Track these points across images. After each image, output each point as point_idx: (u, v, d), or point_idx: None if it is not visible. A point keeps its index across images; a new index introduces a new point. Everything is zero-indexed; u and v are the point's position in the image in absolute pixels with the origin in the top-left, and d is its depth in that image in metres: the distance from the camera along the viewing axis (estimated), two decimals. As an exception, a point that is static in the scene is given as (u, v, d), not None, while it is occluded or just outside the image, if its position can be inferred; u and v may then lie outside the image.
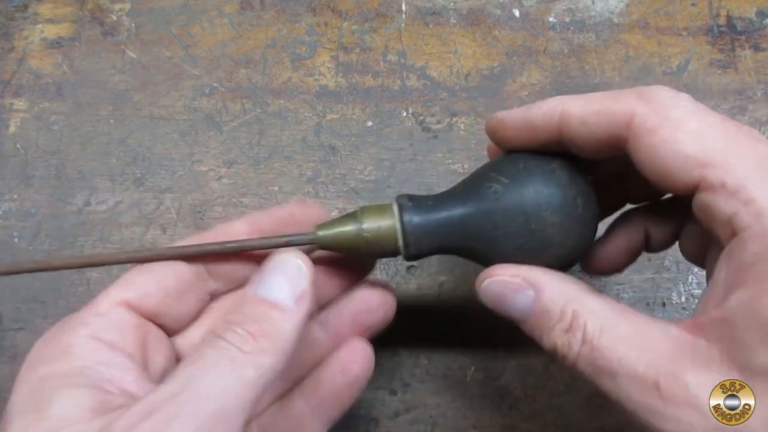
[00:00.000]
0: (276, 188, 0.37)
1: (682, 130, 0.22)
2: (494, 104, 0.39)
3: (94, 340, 0.23)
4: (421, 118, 0.39)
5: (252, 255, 0.27)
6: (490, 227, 0.25)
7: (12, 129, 0.38)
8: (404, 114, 0.39)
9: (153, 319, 0.25)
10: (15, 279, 0.35)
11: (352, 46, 0.41)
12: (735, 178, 0.21)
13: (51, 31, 0.41)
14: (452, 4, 0.42)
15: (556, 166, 0.25)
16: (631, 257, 0.28)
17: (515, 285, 0.24)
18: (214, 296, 0.28)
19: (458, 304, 0.35)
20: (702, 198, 0.21)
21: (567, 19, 0.42)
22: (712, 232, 0.22)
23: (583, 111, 0.23)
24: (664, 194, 0.27)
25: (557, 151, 0.25)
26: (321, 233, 0.26)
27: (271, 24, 0.41)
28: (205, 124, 0.39)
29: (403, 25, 0.41)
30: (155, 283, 0.25)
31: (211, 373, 0.21)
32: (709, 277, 0.24)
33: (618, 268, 0.29)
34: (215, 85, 0.40)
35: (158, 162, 0.38)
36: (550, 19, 0.42)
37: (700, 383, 0.20)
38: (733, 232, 0.21)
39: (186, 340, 0.27)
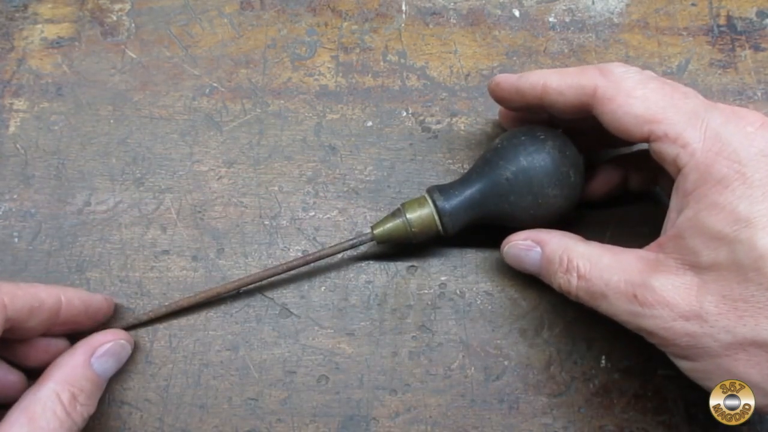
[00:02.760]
0: (276, 188, 0.37)
1: (632, 97, 0.28)
2: (494, 104, 0.39)
3: None
4: (421, 118, 0.39)
5: None
6: (506, 205, 0.32)
7: (12, 129, 0.38)
8: (404, 114, 0.39)
9: None
10: (14, 278, 0.35)
11: (352, 46, 0.41)
12: (673, 129, 0.27)
13: (51, 31, 0.41)
14: (452, 4, 0.42)
15: (550, 147, 0.32)
16: (611, 191, 0.36)
17: (526, 246, 0.32)
18: None
19: (458, 304, 0.35)
20: (654, 146, 0.28)
21: (567, 19, 0.42)
22: (665, 171, 0.29)
23: (559, 84, 0.30)
24: (630, 143, 0.34)
25: (545, 120, 0.34)
26: (376, 231, 0.34)
27: (271, 24, 0.41)
28: (205, 124, 0.39)
29: (403, 25, 0.41)
30: None
31: None
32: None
33: (600, 198, 0.36)
34: (215, 85, 0.40)
35: (158, 162, 0.38)
36: (550, 19, 0.42)
37: (663, 285, 0.26)
38: (678, 169, 0.27)
39: None
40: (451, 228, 0.33)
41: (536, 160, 0.31)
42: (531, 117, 0.36)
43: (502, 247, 0.33)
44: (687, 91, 0.29)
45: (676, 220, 0.27)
